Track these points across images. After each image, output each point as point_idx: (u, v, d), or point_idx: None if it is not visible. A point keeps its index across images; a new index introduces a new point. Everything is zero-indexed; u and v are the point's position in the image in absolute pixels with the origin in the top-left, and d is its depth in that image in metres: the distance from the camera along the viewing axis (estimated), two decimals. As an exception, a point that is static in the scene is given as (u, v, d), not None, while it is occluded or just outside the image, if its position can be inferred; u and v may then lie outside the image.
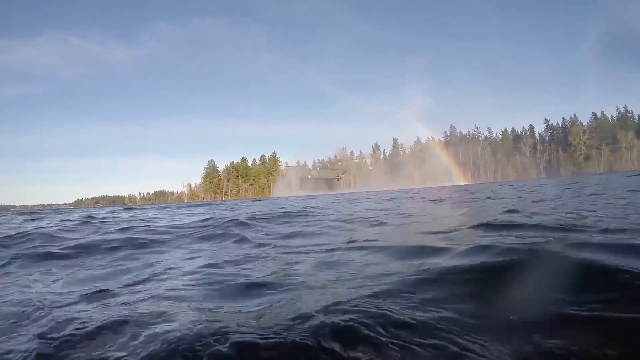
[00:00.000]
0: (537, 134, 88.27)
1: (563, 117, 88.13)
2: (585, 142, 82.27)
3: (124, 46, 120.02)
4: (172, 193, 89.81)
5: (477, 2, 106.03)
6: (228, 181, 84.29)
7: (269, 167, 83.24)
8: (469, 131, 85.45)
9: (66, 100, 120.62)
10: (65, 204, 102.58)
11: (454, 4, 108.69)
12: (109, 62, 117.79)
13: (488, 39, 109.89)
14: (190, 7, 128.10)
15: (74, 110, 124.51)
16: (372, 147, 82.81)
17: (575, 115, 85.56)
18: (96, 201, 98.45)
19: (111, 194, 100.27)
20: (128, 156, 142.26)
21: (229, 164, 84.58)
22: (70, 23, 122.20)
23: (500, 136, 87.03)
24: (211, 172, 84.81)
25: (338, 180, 79.54)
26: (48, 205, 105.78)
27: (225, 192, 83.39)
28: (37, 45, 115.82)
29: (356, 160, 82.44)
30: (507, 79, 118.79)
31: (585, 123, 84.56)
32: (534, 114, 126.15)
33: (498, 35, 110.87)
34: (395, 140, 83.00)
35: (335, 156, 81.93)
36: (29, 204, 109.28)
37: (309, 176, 79.95)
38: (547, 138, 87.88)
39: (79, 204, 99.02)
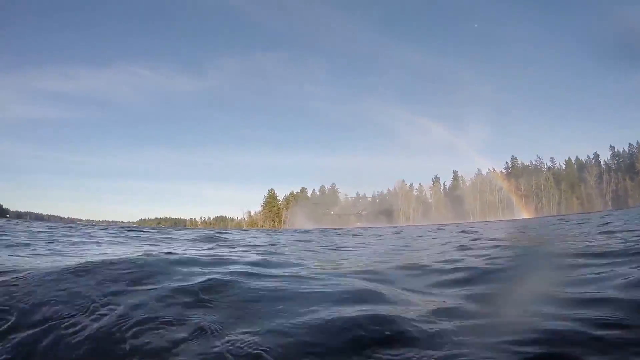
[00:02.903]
0: (602, 162, 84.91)
1: (629, 143, 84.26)
2: (654, 170, 78.72)
3: (190, 78, 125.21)
4: (232, 219, 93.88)
5: (536, 30, 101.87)
6: (287, 210, 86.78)
7: (328, 198, 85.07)
8: (531, 161, 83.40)
9: (133, 126, 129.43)
10: (129, 222, 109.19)
11: (512, 33, 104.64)
12: (174, 93, 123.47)
13: (548, 65, 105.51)
14: (252, 42, 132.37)
15: (141, 136, 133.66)
16: (432, 180, 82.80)
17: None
18: (158, 222, 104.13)
19: (173, 216, 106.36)
20: (190, 181, 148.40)
21: (288, 194, 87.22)
22: (139, 56, 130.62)
23: (564, 166, 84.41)
24: (271, 201, 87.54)
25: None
26: (112, 221, 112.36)
27: (284, 221, 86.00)
28: (108, 75, 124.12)
29: (415, 193, 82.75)
30: (570, 105, 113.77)
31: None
32: (599, 141, 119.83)
33: (558, 62, 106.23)
34: (455, 172, 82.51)
35: (395, 188, 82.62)
36: (94, 219, 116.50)
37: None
38: (613, 166, 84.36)
39: (142, 223, 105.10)
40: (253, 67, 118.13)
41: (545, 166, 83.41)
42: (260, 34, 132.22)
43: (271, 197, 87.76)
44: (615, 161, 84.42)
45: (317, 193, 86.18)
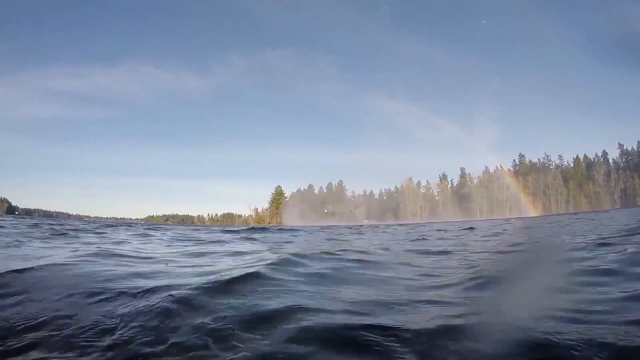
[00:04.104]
0: (611, 161, 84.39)
1: (638, 141, 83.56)
2: (663, 168, 78.24)
3: (198, 76, 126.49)
4: (239, 216, 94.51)
5: (545, 28, 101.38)
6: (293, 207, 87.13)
7: (335, 194, 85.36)
8: (539, 159, 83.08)
9: (141, 124, 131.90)
10: (137, 218, 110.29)
11: (521, 30, 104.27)
12: (183, 91, 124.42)
13: (557, 63, 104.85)
14: (260, 39, 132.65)
15: (148, 134, 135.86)
16: (439, 177, 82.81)
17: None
18: (166, 219, 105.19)
19: (180, 213, 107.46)
20: (197, 178, 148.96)
21: (295, 190, 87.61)
22: (147, 54, 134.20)
23: (572, 164, 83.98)
24: (278, 198, 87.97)
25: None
26: (121, 218, 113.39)
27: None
28: (116, 74, 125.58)
29: (422, 190, 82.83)
30: (578, 103, 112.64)
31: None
32: (607, 139, 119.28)
33: (567, 60, 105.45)
34: (462, 169, 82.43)
35: (402, 185, 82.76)
36: (103, 216, 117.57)
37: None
38: (621, 164, 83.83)
39: (150, 220, 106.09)
40: (261, 64, 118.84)
41: (554, 164, 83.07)
42: (268, 31, 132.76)
43: (278, 194, 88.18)
44: (623, 159, 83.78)
45: (325, 190, 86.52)
